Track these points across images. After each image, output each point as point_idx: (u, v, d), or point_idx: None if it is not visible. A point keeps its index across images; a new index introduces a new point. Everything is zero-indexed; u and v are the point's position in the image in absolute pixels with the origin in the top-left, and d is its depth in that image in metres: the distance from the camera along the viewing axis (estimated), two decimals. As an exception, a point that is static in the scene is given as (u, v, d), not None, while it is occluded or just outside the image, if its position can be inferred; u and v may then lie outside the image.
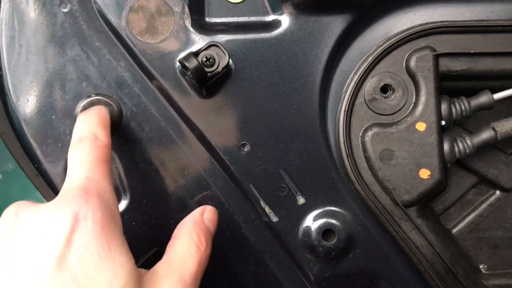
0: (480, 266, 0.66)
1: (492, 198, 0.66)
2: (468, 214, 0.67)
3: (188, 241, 0.49)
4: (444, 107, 0.60)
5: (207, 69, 0.58)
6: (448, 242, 0.63)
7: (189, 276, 0.46)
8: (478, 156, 0.65)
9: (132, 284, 0.42)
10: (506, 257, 0.66)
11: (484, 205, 0.67)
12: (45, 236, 0.42)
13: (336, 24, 0.61)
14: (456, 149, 0.60)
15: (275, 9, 0.61)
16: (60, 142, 0.59)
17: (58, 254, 0.41)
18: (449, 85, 0.63)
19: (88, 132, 0.50)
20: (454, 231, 0.66)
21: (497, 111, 0.65)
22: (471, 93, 0.62)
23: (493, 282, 0.64)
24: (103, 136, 0.50)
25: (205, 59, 0.58)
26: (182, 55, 0.59)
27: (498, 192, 0.67)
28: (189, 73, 0.57)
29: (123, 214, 0.60)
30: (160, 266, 0.47)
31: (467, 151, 0.61)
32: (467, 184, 0.66)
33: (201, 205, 0.55)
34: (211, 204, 0.58)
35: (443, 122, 0.60)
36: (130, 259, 0.44)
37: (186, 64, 0.55)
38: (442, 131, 0.60)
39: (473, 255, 0.66)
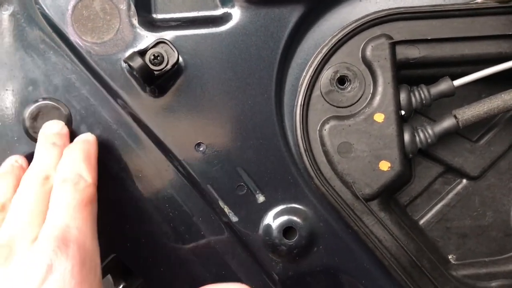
0: (449, 257, 0.64)
1: (459, 187, 0.65)
2: (435, 204, 0.65)
3: None
4: (403, 96, 0.58)
5: (155, 67, 0.56)
6: (414, 234, 0.61)
7: None
8: (443, 144, 0.64)
9: None
10: (475, 246, 0.64)
11: (451, 195, 0.65)
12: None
13: (288, 16, 0.59)
14: (417, 139, 0.59)
15: (225, 2, 0.59)
16: (9, 149, 0.57)
17: None
18: (408, 74, 0.61)
19: (71, 172, 0.48)
20: (421, 222, 0.65)
21: (461, 98, 0.64)
22: (432, 80, 0.60)
23: (462, 272, 0.63)
24: (87, 175, 0.48)
25: (153, 57, 0.56)
26: (128, 54, 0.56)
27: (464, 180, 0.65)
28: (135, 72, 0.55)
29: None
30: None
31: (429, 140, 0.59)
32: (433, 173, 0.65)
33: (158, 208, 0.54)
34: (168, 208, 0.57)
35: (403, 112, 0.59)
36: None
37: (131, 63, 0.53)
38: (401, 121, 0.58)
39: (442, 246, 0.64)
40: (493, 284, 0.63)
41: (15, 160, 0.53)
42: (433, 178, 0.65)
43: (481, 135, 0.65)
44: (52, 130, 0.53)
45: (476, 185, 0.65)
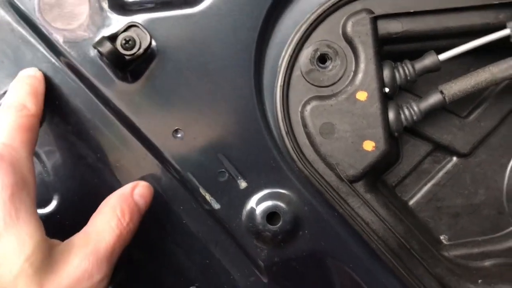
0: (441, 237, 0.63)
1: (449, 165, 0.63)
2: (425, 184, 0.64)
3: (110, 215, 0.49)
4: (386, 73, 0.56)
5: (127, 52, 0.54)
6: (403, 215, 0.59)
7: (104, 249, 0.46)
8: (431, 122, 0.62)
9: (39, 254, 0.42)
10: (467, 225, 0.63)
11: (441, 173, 0.63)
12: None
13: (262, -6, 0.57)
14: (402, 116, 0.57)
15: (198, -18, 0.57)
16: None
17: None
18: (392, 49, 0.59)
19: (16, 101, 0.50)
20: (411, 203, 0.63)
21: (449, 72, 0.61)
22: (417, 55, 0.58)
23: (454, 252, 0.61)
24: (31, 105, 0.51)
25: (124, 41, 0.54)
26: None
27: (454, 158, 0.63)
28: (104, 58, 0.53)
29: (54, 213, 0.56)
30: (76, 237, 0.47)
31: (415, 117, 0.57)
32: (421, 152, 0.63)
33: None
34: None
35: (387, 89, 0.56)
36: (38, 229, 0.43)
37: (100, 49, 0.52)
38: (385, 99, 0.56)
39: (433, 227, 0.63)
40: (486, 263, 0.61)
41: None
42: (422, 157, 0.63)
43: (470, 111, 0.63)
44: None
45: (466, 162, 0.63)
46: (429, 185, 0.63)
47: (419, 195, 0.63)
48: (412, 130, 0.62)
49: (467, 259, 0.61)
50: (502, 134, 0.63)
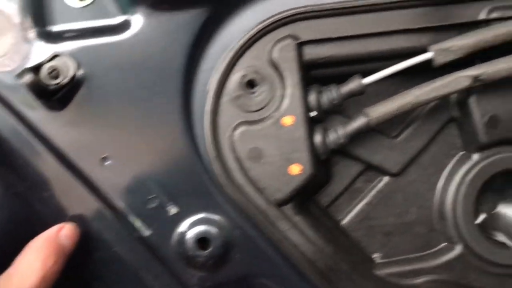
0: (374, 256, 0.64)
1: (381, 185, 0.64)
2: (357, 203, 0.64)
3: (34, 256, 0.49)
4: (312, 97, 0.57)
5: (52, 82, 0.54)
6: (335, 235, 0.60)
7: None
8: (361, 142, 0.63)
9: None
10: (400, 244, 0.64)
11: (373, 193, 0.64)
12: None
13: (192, 20, 0.58)
14: (328, 140, 0.58)
15: (125, 9, 0.57)
16: None
17: None
18: (320, 73, 0.60)
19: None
20: (343, 222, 0.64)
21: (382, 94, 0.62)
22: (346, 78, 0.59)
23: (386, 270, 0.62)
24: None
25: (49, 71, 0.54)
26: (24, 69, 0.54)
27: (386, 177, 0.64)
28: (27, 89, 0.52)
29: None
30: None
31: (341, 140, 0.58)
32: (353, 172, 0.64)
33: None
34: (78, 226, 0.55)
35: (313, 114, 0.57)
36: None
37: (22, 80, 0.51)
38: (311, 123, 0.57)
39: (366, 245, 0.64)
40: (418, 280, 0.62)
41: None
42: (354, 177, 0.64)
43: (400, 131, 0.64)
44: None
45: (398, 181, 0.64)
46: (361, 204, 0.64)
47: (351, 215, 0.64)
48: (343, 151, 0.63)
49: (400, 277, 0.62)
50: (432, 153, 0.64)
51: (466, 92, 0.60)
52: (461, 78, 0.58)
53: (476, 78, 0.58)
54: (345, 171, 0.64)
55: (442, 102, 0.63)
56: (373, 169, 0.64)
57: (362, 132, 0.59)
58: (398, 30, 0.59)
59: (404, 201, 0.64)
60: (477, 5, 0.58)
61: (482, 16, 0.58)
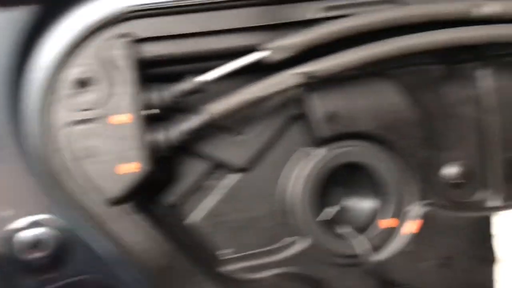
0: (222, 252, 0.64)
1: (227, 181, 0.65)
2: (205, 200, 0.65)
3: None
4: (146, 96, 0.57)
5: None
6: (179, 234, 0.60)
7: None
8: (206, 139, 0.63)
9: None
10: (247, 239, 0.65)
11: (220, 189, 0.65)
12: None
13: (21, 18, 0.55)
14: (165, 137, 0.57)
15: None
16: None
17: None
18: (157, 72, 0.59)
19: None
20: (191, 220, 0.64)
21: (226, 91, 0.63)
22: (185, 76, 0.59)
23: (233, 266, 0.63)
24: None
25: None
26: None
27: (232, 173, 0.65)
28: None
29: None
30: None
31: (179, 138, 0.58)
32: (198, 170, 0.64)
33: None
34: None
35: (148, 112, 0.57)
36: None
37: None
38: (144, 122, 0.56)
39: (213, 242, 0.64)
40: (265, 274, 0.63)
41: None
42: (200, 175, 0.64)
43: (245, 126, 0.65)
44: None
45: (244, 177, 0.65)
46: (209, 201, 0.64)
47: (199, 212, 0.64)
48: (189, 149, 0.63)
49: (248, 271, 0.63)
50: (277, 149, 0.66)
51: (306, 89, 0.62)
52: (294, 75, 0.60)
53: (308, 75, 0.60)
54: (191, 169, 0.64)
55: (285, 99, 0.65)
56: (219, 166, 0.65)
57: (204, 128, 0.59)
58: (236, 29, 0.60)
59: (251, 197, 0.65)
60: (308, 5, 0.60)
61: (314, 15, 0.60)
